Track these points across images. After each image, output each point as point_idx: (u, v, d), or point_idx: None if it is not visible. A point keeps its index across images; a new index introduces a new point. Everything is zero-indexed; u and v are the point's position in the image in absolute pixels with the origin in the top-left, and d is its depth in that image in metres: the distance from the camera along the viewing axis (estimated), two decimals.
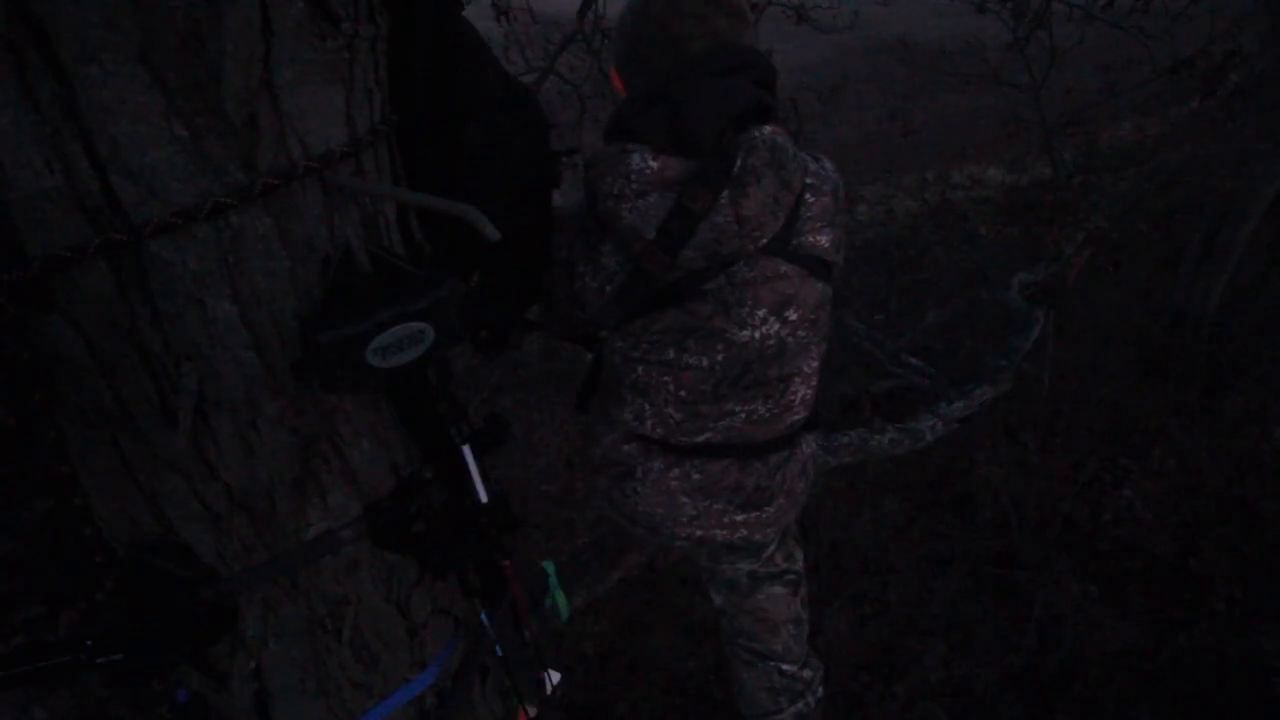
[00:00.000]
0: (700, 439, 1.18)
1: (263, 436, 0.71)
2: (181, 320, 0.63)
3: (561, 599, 1.63)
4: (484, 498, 0.90)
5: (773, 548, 1.35)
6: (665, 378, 1.14)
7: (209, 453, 0.69)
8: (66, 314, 0.60)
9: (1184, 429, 2.98)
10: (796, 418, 1.22)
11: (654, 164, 1.02)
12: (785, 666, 1.41)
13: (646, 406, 1.18)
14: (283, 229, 0.66)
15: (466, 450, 0.87)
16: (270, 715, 0.85)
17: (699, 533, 1.25)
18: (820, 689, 1.46)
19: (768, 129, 1.03)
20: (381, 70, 0.74)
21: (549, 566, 1.66)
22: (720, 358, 1.11)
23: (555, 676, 1.16)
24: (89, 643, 0.67)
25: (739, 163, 1.01)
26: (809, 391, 1.21)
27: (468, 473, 0.88)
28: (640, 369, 1.15)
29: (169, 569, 0.71)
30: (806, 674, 1.43)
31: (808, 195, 1.07)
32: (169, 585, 0.71)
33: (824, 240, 1.09)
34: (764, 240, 1.05)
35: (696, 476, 1.20)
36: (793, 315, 1.11)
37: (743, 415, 1.16)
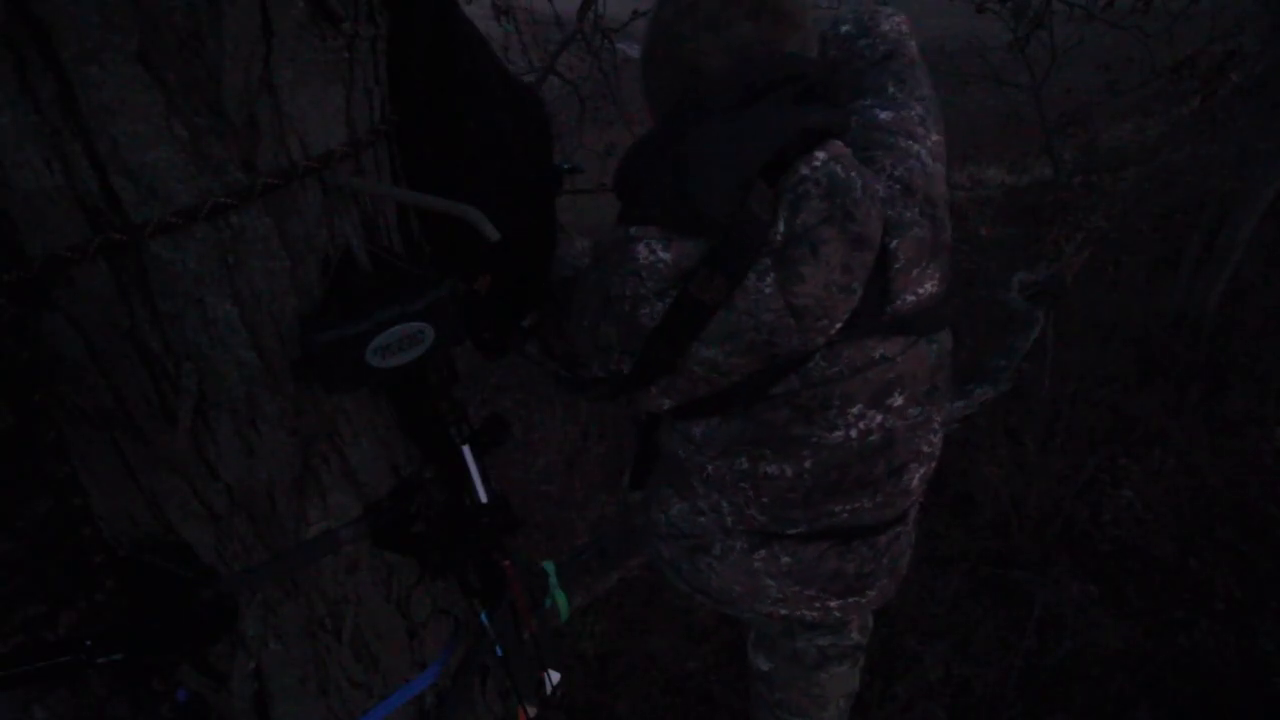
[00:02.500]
0: (793, 531, 0.97)
1: (263, 436, 0.71)
2: (181, 320, 0.63)
3: (561, 599, 1.63)
4: (484, 498, 0.90)
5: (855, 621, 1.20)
6: (742, 484, 0.94)
7: (209, 453, 0.69)
8: (66, 314, 0.60)
9: (1184, 429, 2.98)
10: (916, 498, 1.01)
11: (666, 256, 0.77)
12: None
13: (725, 504, 0.97)
14: (283, 229, 0.66)
15: (466, 450, 0.87)
16: (270, 715, 0.85)
17: (783, 612, 1.05)
18: None
19: (821, 156, 0.75)
20: (381, 70, 0.74)
21: (549, 566, 1.66)
22: (808, 464, 0.89)
23: (555, 676, 1.16)
24: (89, 643, 0.67)
25: (779, 227, 0.75)
26: (930, 465, 0.98)
27: (468, 473, 0.88)
28: (710, 468, 0.95)
29: (169, 569, 0.71)
30: None
31: (892, 240, 0.79)
32: (169, 585, 0.71)
33: (930, 286, 0.83)
34: (835, 327, 0.80)
35: (786, 560, 0.99)
36: (898, 400, 0.87)
37: (846, 514, 0.95)
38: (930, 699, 2.17)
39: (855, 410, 0.86)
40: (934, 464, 1.00)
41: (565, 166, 1.04)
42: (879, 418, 0.87)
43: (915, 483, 0.98)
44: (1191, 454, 2.85)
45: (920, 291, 0.83)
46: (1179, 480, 2.76)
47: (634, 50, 1.07)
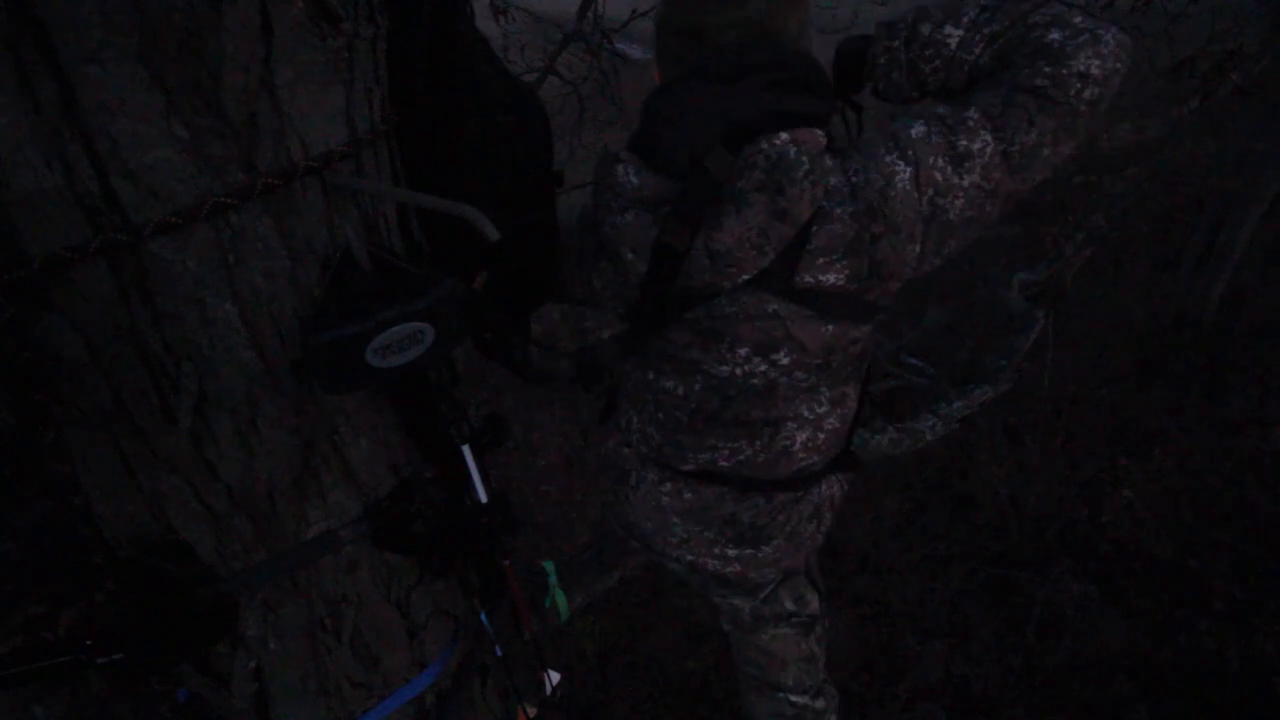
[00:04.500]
0: (686, 468, 1.11)
1: (263, 436, 0.71)
2: (181, 320, 0.63)
3: (561, 599, 1.63)
4: (484, 498, 0.90)
5: (772, 588, 1.25)
6: (647, 396, 1.11)
7: (209, 453, 0.69)
8: (66, 314, 0.60)
9: (1184, 430, 2.98)
10: (806, 463, 1.09)
11: (635, 180, 0.93)
12: (795, 698, 1.34)
13: (634, 419, 1.15)
14: (283, 229, 0.66)
15: (466, 450, 0.87)
16: (270, 715, 0.85)
17: (689, 557, 1.18)
18: (833, 717, 1.39)
19: (783, 138, 0.86)
20: (381, 70, 0.74)
21: (549, 566, 1.66)
22: (697, 388, 1.04)
23: (555, 676, 1.16)
24: (89, 643, 0.67)
25: (726, 187, 0.88)
26: (818, 435, 1.07)
27: (468, 473, 0.88)
28: (634, 378, 1.12)
29: (169, 569, 0.71)
30: (819, 704, 1.35)
31: (815, 225, 0.88)
32: (169, 585, 0.71)
33: (833, 278, 0.90)
34: (744, 277, 0.92)
35: (688, 496, 1.13)
36: (784, 359, 0.98)
37: (725, 452, 1.07)
38: (930, 699, 2.17)
39: (743, 352, 0.98)
40: (825, 435, 1.07)
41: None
42: (762, 367, 0.99)
43: (797, 446, 1.06)
44: (1191, 454, 2.85)
45: (822, 278, 0.91)
46: (1179, 481, 2.76)
47: (634, 50, 1.07)
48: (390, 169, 0.80)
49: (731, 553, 1.15)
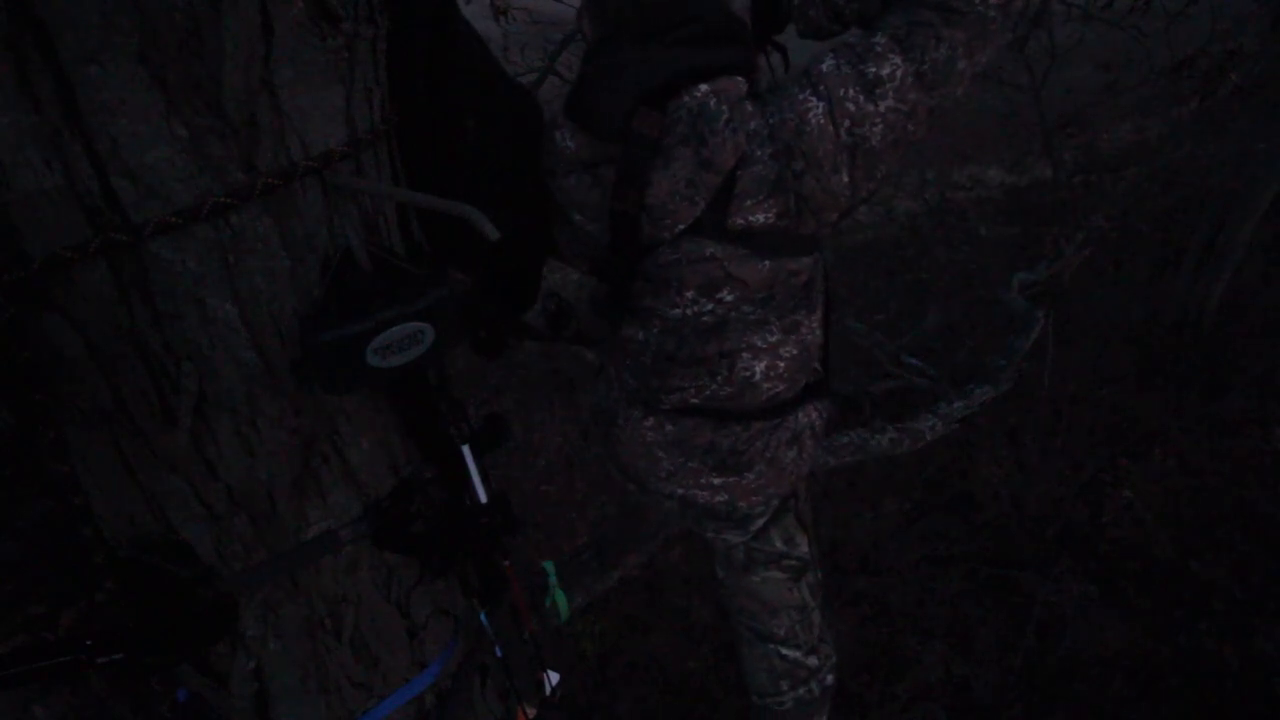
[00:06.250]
0: (664, 407, 1.16)
1: (263, 436, 0.71)
2: (181, 320, 0.63)
3: (561, 599, 1.63)
4: (484, 498, 0.90)
5: (763, 523, 1.26)
6: (615, 349, 1.15)
7: (209, 453, 0.70)
8: (66, 314, 0.60)
9: (1184, 430, 2.98)
10: (774, 391, 1.12)
11: (571, 144, 0.97)
12: (786, 651, 1.34)
13: (612, 370, 1.20)
14: (283, 229, 0.66)
15: (466, 450, 0.87)
16: (270, 715, 0.85)
17: (680, 491, 1.21)
18: (830, 677, 1.39)
19: (703, 89, 0.90)
20: (381, 70, 0.74)
21: (549, 566, 1.66)
22: (655, 332, 1.08)
23: (555, 676, 1.16)
24: (89, 642, 0.67)
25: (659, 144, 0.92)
26: (778, 364, 1.10)
27: (468, 473, 0.88)
28: (605, 341, 1.17)
29: (169, 569, 0.71)
30: (812, 661, 1.35)
31: (739, 169, 0.92)
32: (169, 585, 0.71)
33: (763, 217, 0.94)
34: (680, 226, 0.96)
35: (670, 428, 1.16)
36: (728, 297, 1.01)
37: (692, 390, 1.11)
38: (930, 699, 2.17)
39: (689, 295, 1.01)
40: (785, 363, 1.10)
41: None
42: (709, 305, 1.02)
43: (757, 376, 1.09)
44: (1191, 454, 2.86)
45: (752, 219, 0.94)
46: (1179, 481, 2.76)
47: None
48: (390, 169, 0.80)
49: (717, 481, 1.18)
